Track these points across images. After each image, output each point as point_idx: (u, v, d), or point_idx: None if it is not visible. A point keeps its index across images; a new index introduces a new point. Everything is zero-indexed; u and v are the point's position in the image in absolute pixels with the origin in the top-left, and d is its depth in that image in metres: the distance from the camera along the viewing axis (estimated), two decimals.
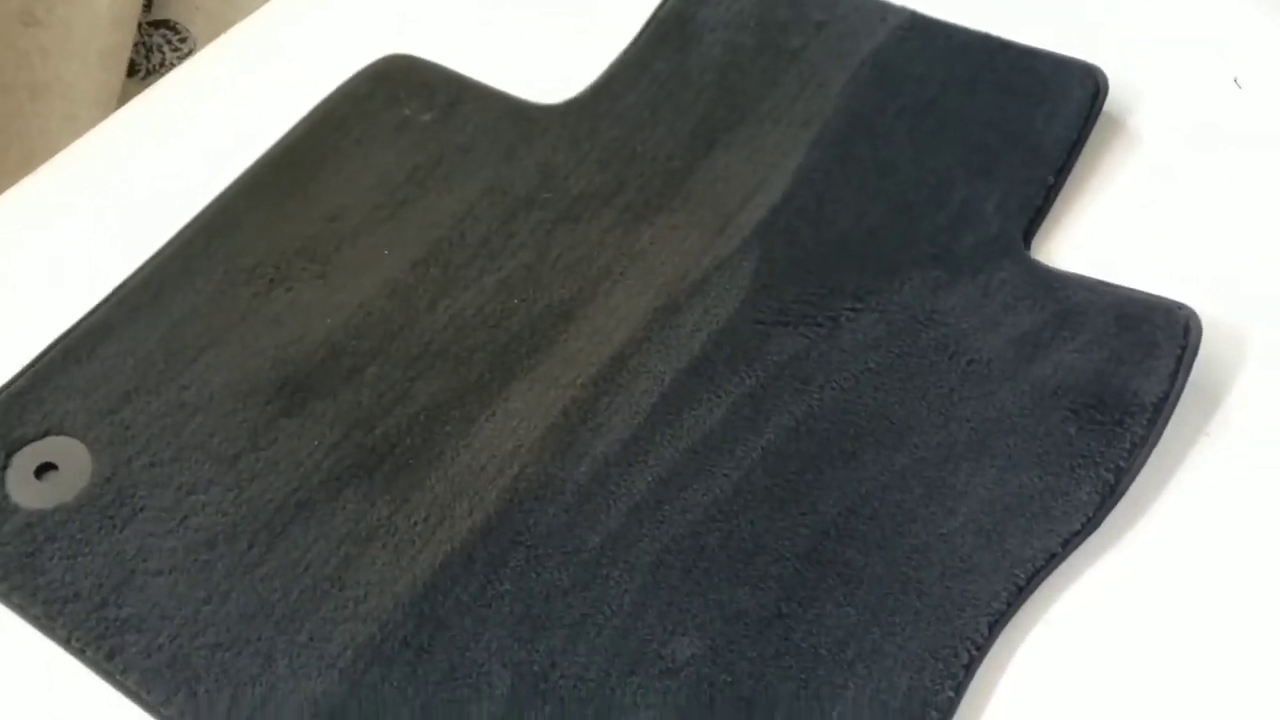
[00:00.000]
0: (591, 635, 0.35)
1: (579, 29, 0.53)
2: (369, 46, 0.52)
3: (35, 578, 0.37)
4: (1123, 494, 0.37)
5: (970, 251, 0.43)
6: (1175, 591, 0.36)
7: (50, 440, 0.40)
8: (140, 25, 0.75)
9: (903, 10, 0.51)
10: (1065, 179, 0.46)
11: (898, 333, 0.41)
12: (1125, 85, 0.48)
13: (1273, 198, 0.46)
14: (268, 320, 0.43)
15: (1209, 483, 0.38)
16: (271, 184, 0.47)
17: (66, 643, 0.36)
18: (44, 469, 0.39)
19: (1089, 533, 0.36)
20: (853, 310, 0.42)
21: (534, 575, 0.36)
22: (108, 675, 0.35)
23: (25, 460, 0.39)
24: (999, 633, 0.35)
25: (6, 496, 0.38)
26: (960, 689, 0.34)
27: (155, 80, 0.54)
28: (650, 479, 0.38)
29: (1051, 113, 0.47)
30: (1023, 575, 0.35)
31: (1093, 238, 0.45)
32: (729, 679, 0.34)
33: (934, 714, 0.33)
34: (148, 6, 0.76)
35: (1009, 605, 0.35)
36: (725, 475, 0.38)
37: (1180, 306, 0.41)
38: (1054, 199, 0.46)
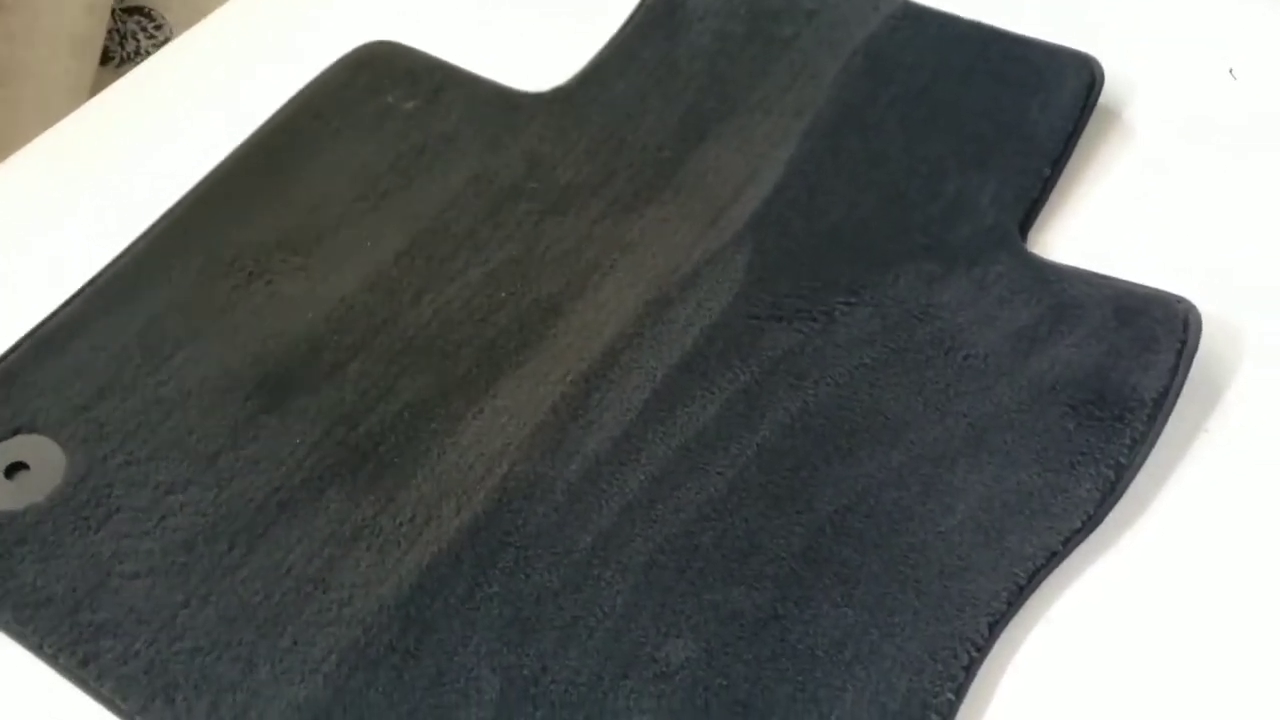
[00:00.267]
0: (583, 638, 0.34)
1: (566, 15, 0.53)
2: (349, 34, 0.51)
3: (5, 581, 0.36)
4: (1123, 491, 0.36)
5: (965, 244, 0.43)
6: (1177, 591, 0.35)
7: (21, 439, 0.39)
8: (114, 11, 0.74)
9: None
10: (1061, 171, 0.45)
11: (893, 327, 0.41)
12: (1120, 76, 0.48)
13: (1268, 189, 0.46)
14: (247, 314, 0.42)
15: (1209, 479, 0.38)
16: (250, 174, 0.46)
17: (39, 649, 0.35)
18: (14, 468, 0.38)
19: (1090, 530, 0.35)
20: (847, 304, 0.41)
21: (523, 577, 0.35)
22: (82, 682, 0.34)
23: None
24: (999, 633, 0.34)
25: None
26: (960, 691, 0.33)
27: (130, 68, 0.53)
28: (643, 477, 0.37)
29: (1046, 103, 0.47)
30: (1023, 574, 0.35)
31: (1089, 230, 0.45)
32: (724, 682, 0.33)
33: (934, 717, 0.33)
34: None
35: (1009, 605, 0.34)
36: (719, 473, 0.37)
37: (1179, 300, 0.40)
38: (1050, 191, 0.45)
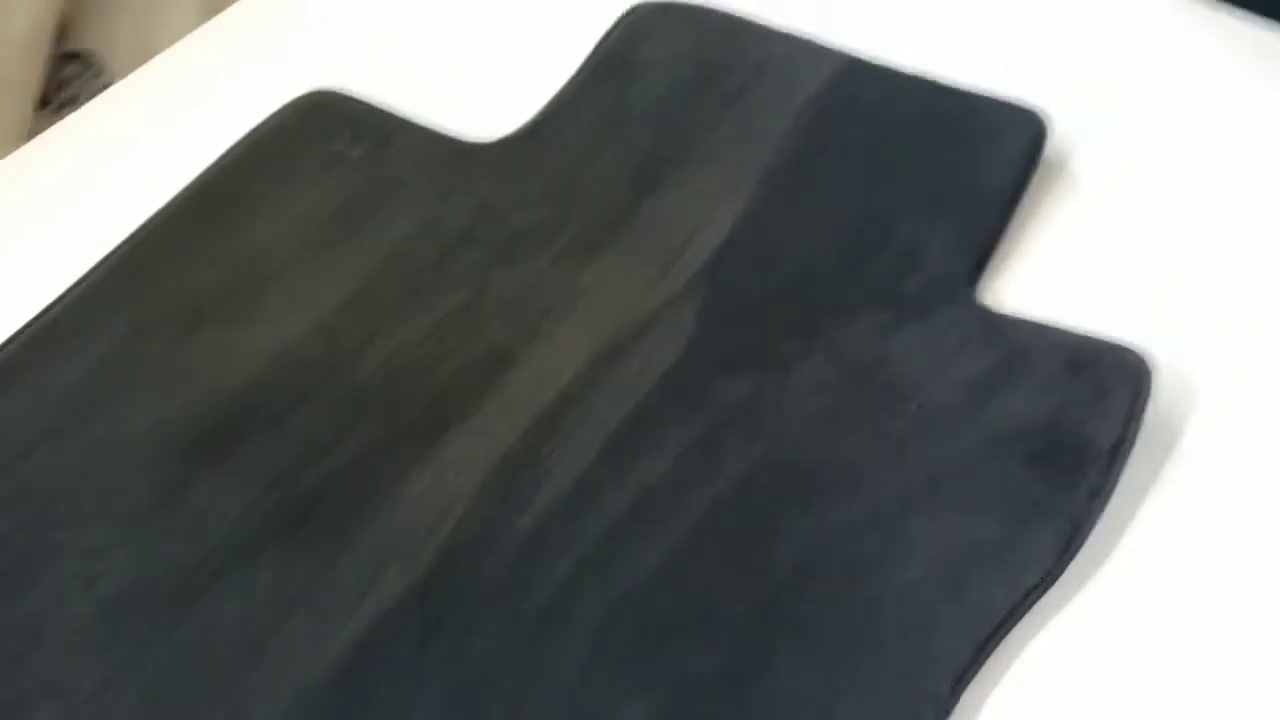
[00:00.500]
0: (534, 706, 0.33)
1: (515, 65, 0.52)
2: (294, 81, 0.50)
3: None
4: (1081, 544, 0.36)
5: (918, 293, 0.43)
6: (1142, 643, 0.35)
7: None
8: (53, 57, 0.72)
9: (840, 55, 0.50)
10: (1009, 222, 0.46)
11: (848, 376, 0.40)
12: (1066, 127, 0.48)
13: (1215, 236, 0.46)
14: (185, 366, 0.40)
15: (1167, 527, 0.38)
16: (191, 220, 0.45)
17: None
18: None
19: (1049, 585, 0.35)
20: (801, 353, 0.41)
21: (471, 641, 0.34)
22: None
23: None
24: (962, 691, 0.33)
25: None
26: None
27: (68, 113, 0.52)
28: (596, 533, 0.36)
29: (994, 156, 0.47)
30: (984, 629, 0.34)
31: (1039, 279, 0.45)
32: None
33: None
34: (60, 38, 0.73)
35: (972, 661, 0.34)
36: (674, 528, 0.36)
37: (1129, 350, 0.40)
38: (999, 241, 0.45)
